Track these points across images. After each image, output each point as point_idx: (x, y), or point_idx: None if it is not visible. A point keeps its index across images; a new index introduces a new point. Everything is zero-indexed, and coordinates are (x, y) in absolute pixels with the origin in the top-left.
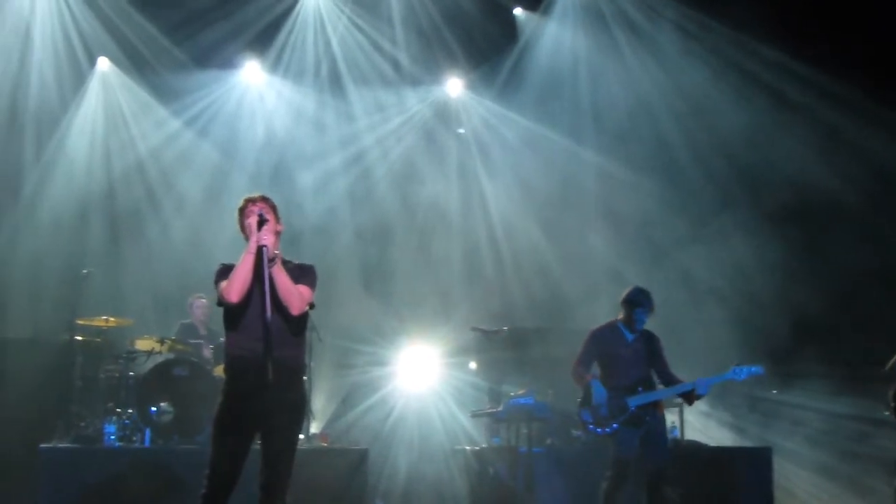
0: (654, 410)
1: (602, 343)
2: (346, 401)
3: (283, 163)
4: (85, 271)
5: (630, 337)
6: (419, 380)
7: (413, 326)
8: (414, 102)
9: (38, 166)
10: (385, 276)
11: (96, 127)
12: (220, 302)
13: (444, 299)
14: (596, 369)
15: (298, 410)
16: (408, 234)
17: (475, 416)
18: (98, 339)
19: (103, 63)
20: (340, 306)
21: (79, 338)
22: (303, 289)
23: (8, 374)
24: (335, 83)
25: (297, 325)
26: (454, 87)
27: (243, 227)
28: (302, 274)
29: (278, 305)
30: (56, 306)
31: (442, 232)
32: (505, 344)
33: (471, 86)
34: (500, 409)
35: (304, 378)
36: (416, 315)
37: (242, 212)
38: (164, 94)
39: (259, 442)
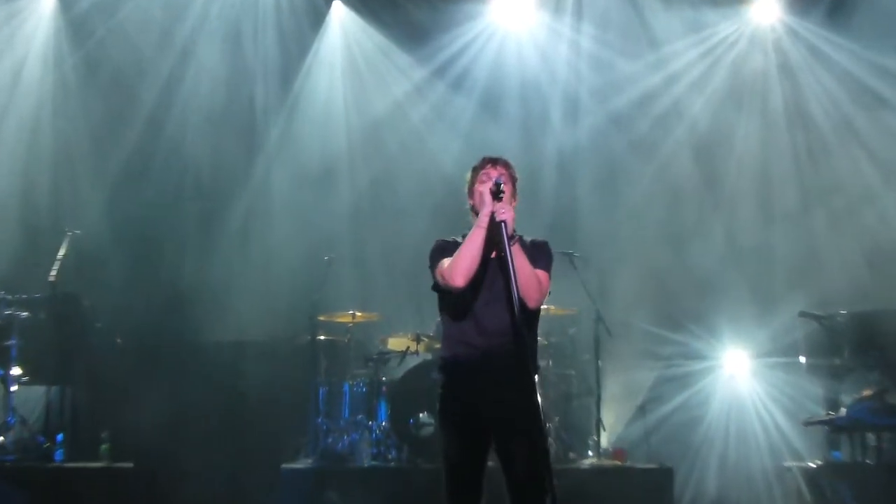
0: None
1: None
2: (647, 402)
3: (550, 107)
4: (327, 257)
5: None
6: (737, 380)
7: (729, 307)
8: (718, 28)
9: (274, 128)
10: (684, 243)
11: (334, 81)
12: (438, 286)
13: (766, 277)
14: None
15: (535, 410)
16: (709, 192)
17: (808, 424)
18: (344, 339)
19: (338, 8)
20: (637, 282)
21: (322, 337)
22: (541, 274)
23: (244, 381)
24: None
25: (531, 317)
26: (765, 9)
27: (471, 191)
28: (537, 254)
29: (510, 294)
30: (295, 300)
31: (756, 188)
32: (843, 332)
33: (786, 8)
34: (842, 415)
35: (536, 376)
36: (729, 297)
37: (476, 172)
38: (408, 35)
39: (496, 450)
